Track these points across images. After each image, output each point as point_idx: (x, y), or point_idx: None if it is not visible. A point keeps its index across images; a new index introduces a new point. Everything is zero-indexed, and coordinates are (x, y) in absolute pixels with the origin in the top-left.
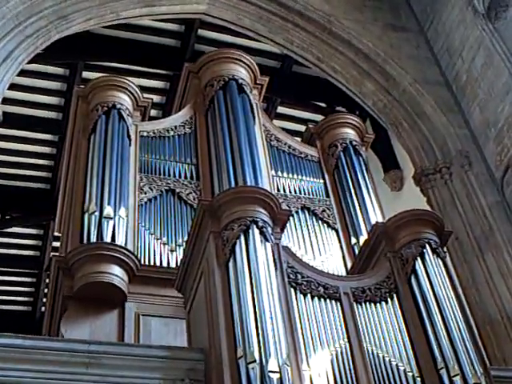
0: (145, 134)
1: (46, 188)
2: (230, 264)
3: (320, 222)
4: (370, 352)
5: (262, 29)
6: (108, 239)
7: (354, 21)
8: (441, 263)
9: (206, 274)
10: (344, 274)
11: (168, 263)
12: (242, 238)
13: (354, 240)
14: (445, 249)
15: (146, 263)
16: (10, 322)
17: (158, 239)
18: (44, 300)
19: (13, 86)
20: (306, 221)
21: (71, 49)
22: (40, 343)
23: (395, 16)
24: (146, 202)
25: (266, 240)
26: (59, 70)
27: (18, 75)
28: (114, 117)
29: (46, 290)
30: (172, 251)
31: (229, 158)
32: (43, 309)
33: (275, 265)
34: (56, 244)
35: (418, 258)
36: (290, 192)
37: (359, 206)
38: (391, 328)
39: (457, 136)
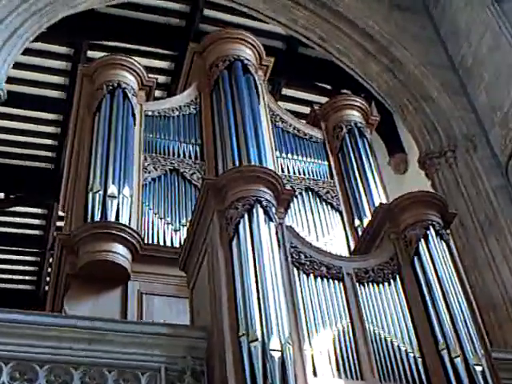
0: (149, 113)
1: (50, 168)
2: (234, 243)
3: (324, 203)
4: (372, 332)
5: (266, 8)
6: (112, 218)
7: (359, 1)
8: (444, 245)
9: (210, 252)
10: (347, 255)
11: (172, 243)
12: (246, 217)
13: (357, 222)
14: (448, 231)
15: (150, 242)
16: (13, 301)
17: (161, 219)
18: (48, 279)
19: (17, 65)
20: (310, 202)
21: (76, 28)
22: (43, 319)
23: None
24: (150, 182)
25: (270, 219)
26: (64, 50)
27: (23, 54)
28: (119, 96)
29: (49, 270)
30: (176, 231)
31: (233, 138)
32: (47, 288)
33: (278, 244)
34: (60, 224)
35: (422, 240)
36: (294, 173)
37: (363, 188)
38: (393, 309)
39: (462, 119)
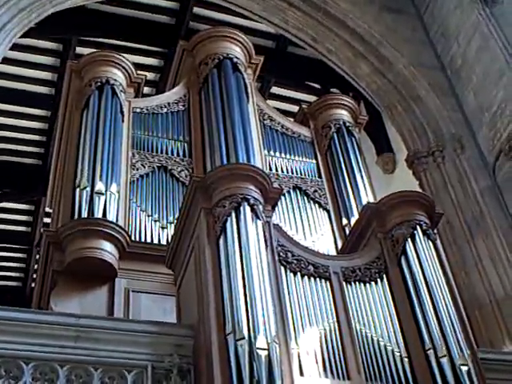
0: (138, 110)
1: (37, 163)
2: (221, 241)
3: (311, 202)
4: (359, 331)
5: (257, 8)
6: (99, 215)
7: (349, 2)
8: (431, 245)
9: (197, 250)
10: (334, 254)
11: (159, 240)
12: (233, 215)
13: (345, 221)
14: (435, 231)
15: (137, 239)
16: None
17: (149, 216)
18: (34, 276)
19: (5, 60)
20: (298, 201)
21: (65, 23)
22: (29, 316)
23: None
24: (137, 179)
25: (257, 218)
26: (52, 45)
27: (11, 49)
28: (108, 92)
29: (36, 266)
30: (163, 228)
31: (221, 136)
32: (33, 285)
33: (266, 243)
34: (47, 220)
35: (409, 239)
36: (282, 171)
37: (351, 187)
38: (380, 308)
39: (450, 120)
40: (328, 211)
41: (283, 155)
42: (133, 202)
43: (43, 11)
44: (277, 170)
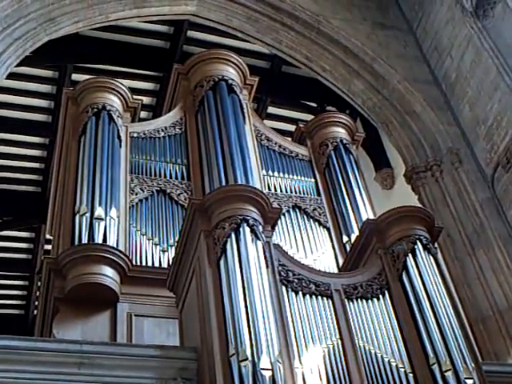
0: (135, 135)
1: (37, 191)
2: (222, 262)
3: (311, 220)
4: (362, 348)
5: (251, 29)
6: (99, 240)
7: (342, 20)
8: (432, 259)
9: (198, 272)
10: (336, 271)
11: (160, 263)
12: (233, 236)
13: (345, 238)
14: (436, 245)
15: (138, 264)
16: (2, 326)
17: (149, 239)
18: (36, 303)
19: (2, 89)
20: (298, 219)
21: (60, 51)
22: (33, 344)
23: (384, 15)
24: (137, 203)
25: (257, 238)
26: (48, 73)
27: (7, 78)
28: (104, 118)
29: (37, 293)
30: (164, 251)
31: (219, 158)
32: (35, 312)
33: (266, 263)
34: (48, 247)
35: (409, 255)
36: (281, 191)
37: (350, 204)
38: (383, 324)
39: (447, 134)
40: (328, 229)
41: (281, 175)
42: (133, 226)
43: (38, 40)
44: (275, 190)
